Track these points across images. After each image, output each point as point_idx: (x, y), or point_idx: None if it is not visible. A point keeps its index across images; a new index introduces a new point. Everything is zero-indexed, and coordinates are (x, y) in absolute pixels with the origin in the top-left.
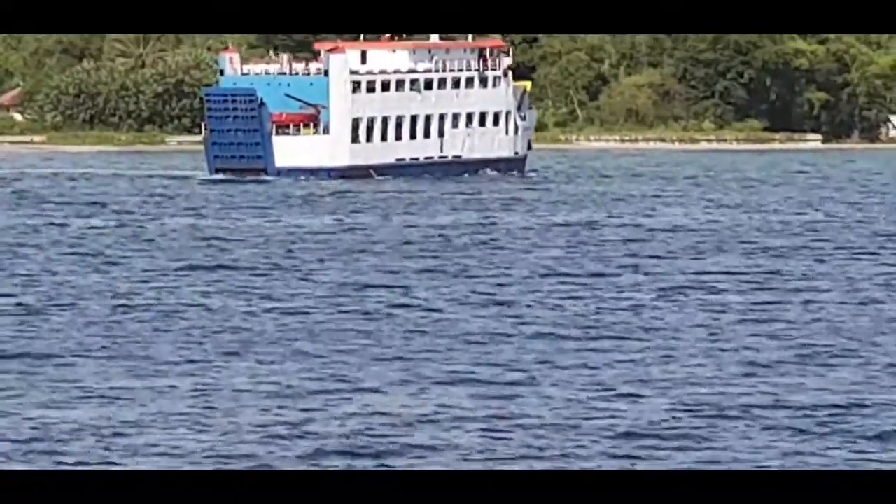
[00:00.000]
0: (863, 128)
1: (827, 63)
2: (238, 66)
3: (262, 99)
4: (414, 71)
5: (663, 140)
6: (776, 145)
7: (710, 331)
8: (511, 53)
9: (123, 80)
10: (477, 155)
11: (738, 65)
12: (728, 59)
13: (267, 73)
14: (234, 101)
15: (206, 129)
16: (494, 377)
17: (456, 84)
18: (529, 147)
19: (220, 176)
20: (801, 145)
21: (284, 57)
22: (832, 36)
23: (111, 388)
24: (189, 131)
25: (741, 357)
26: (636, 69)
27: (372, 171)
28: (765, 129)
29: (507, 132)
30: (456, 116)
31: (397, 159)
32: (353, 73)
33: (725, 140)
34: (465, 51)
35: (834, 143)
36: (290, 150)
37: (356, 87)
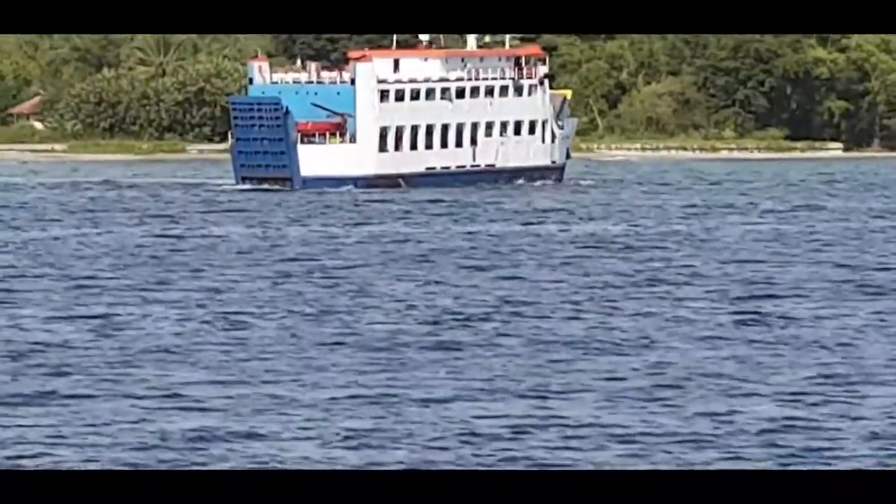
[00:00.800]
0: (883, 136)
1: (847, 72)
2: (267, 74)
3: (287, 107)
4: (445, 79)
5: (684, 149)
6: (797, 154)
7: None
8: (547, 62)
9: (144, 88)
10: (511, 164)
11: (759, 73)
12: (749, 68)
13: (296, 82)
14: (259, 109)
15: (232, 137)
16: None
17: (489, 92)
18: (568, 156)
19: (246, 186)
20: (823, 154)
21: (313, 66)
22: (852, 44)
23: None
24: (210, 140)
25: None
26: (654, 77)
27: (401, 181)
28: (785, 138)
29: (543, 141)
30: (489, 125)
31: (427, 168)
32: (380, 81)
33: (747, 149)
34: (500, 59)
35: (855, 152)
36: (315, 159)
37: (384, 95)
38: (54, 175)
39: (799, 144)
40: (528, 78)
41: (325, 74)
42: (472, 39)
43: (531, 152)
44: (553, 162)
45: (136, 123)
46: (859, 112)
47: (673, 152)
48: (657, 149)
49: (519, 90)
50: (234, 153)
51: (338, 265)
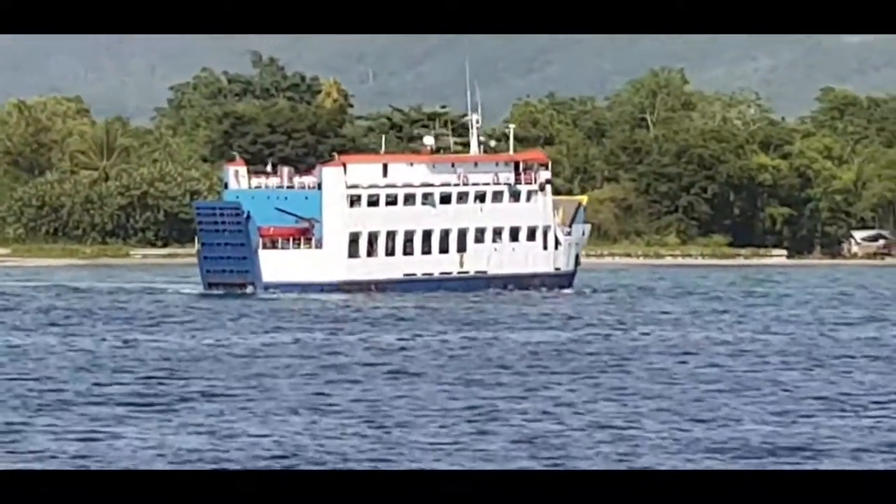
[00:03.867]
0: (823, 243)
1: (790, 178)
2: (245, 179)
3: (248, 212)
4: (429, 184)
5: (629, 255)
6: (741, 261)
7: None
8: (549, 167)
9: (87, 192)
10: (506, 271)
11: (702, 179)
12: (691, 174)
13: (267, 187)
14: (221, 214)
15: (198, 242)
16: None
17: (480, 198)
18: (577, 262)
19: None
20: (767, 261)
21: (285, 171)
22: (795, 150)
23: None
24: (152, 244)
25: None
26: (590, 183)
27: (373, 287)
28: (729, 245)
29: (545, 247)
30: (480, 231)
31: (406, 274)
32: (351, 186)
33: (690, 255)
34: (496, 164)
35: (797, 259)
36: (279, 265)
37: (355, 200)
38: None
39: (743, 251)
40: (528, 183)
41: (297, 180)
42: (474, 145)
43: (530, 259)
44: (557, 269)
45: (79, 227)
46: (801, 219)
47: (617, 258)
48: (601, 255)
49: (516, 195)
50: (199, 258)
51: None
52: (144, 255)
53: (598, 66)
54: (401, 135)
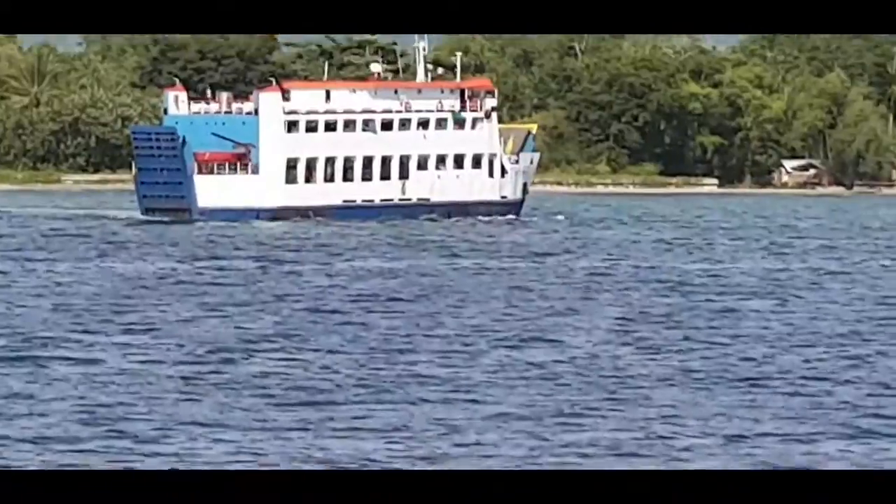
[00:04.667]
0: (753, 172)
1: (721, 107)
2: (185, 104)
3: (183, 137)
4: (370, 111)
5: (560, 183)
6: (673, 189)
7: None
8: (496, 94)
9: (18, 117)
10: (450, 198)
11: (633, 108)
12: (622, 102)
13: (206, 113)
14: (157, 139)
15: (134, 167)
16: None
17: (423, 125)
18: (525, 191)
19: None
20: (698, 189)
21: (224, 96)
22: (726, 79)
23: None
24: (84, 170)
25: None
26: (519, 111)
27: (311, 213)
28: (660, 174)
29: (491, 175)
30: (424, 158)
31: (345, 201)
32: (290, 112)
33: (622, 184)
34: (441, 91)
35: (727, 188)
36: (214, 191)
37: (292, 126)
38: None
39: (674, 180)
40: (473, 110)
41: (235, 105)
42: (421, 72)
43: (476, 187)
44: (503, 197)
45: (9, 153)
46: (731, 148)
47: (549, 187)
48: (533, 183)
49: (461, 123)
50: (136, 184)
51: None
52: (76, 181)
53: None
54: (332, 62)
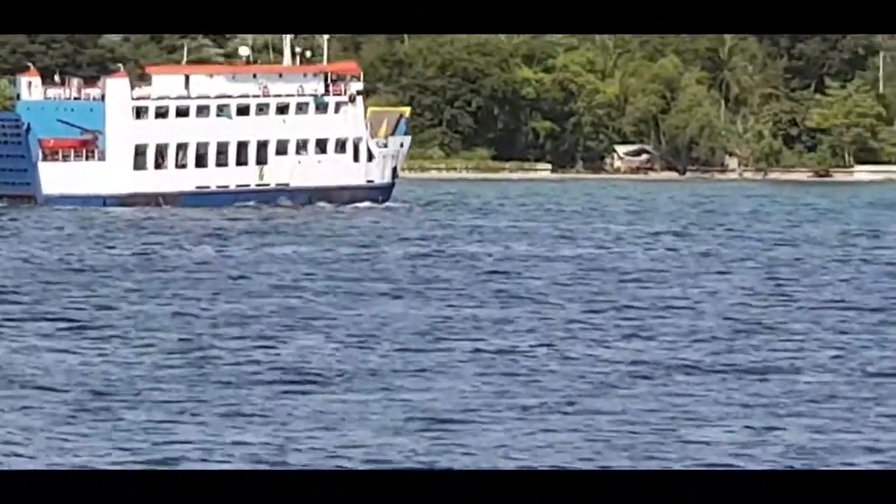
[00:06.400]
0: (585, 157)
1: (553, 92)
2: (39, 90)
3: (28, 124)
4: (226, 96)
5: None
6: (506, 174)
7: None
8: (361, 78)
9: None
10: (311, 183)
11: (467, 93)
12: (455, 87)
13: (55, 99)
14: (2, 126)
15: None
16: None
17: (282, 110)
18: (395, 175)
19: None
20: (532, 175)
21: (74, 82)
22: (559, 64)
23: None
24: None
25: None
26: None
27: (160, 199)
28: (493, 158)
29: (356, 159)
30: (283, 143)
31: (198, 187)
32: (138, 98)
33: (455, 169)
34: (304, 75)
35: (560, 173)
36: (59, 177)
37: (141, 112)
38: None
39: (508, 165)
40: (337, 94)
41: (87, 91)
42: (287, 56)
43: (340, 171)
44: (369, 181)
45: None
46: (563, 133)
47: None
48: None
49: (323, 107)
50: None
51: None
52: None
53: None
54: (162, 46)
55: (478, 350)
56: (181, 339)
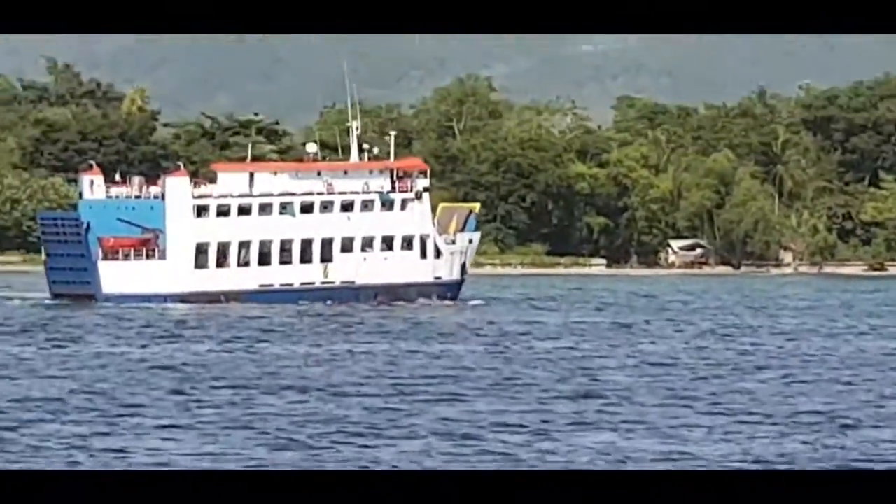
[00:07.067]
0: (639, 252)
1: (607, 187)
2: (101, 188)
3: (87, 223)
4: (289, 193)
5: None
6: (561, 270)
7: None
8: (428, 175)
9: None
10: (377, 281)
11: (520, 188)
12: (509, 183)
13: (117, 197)
14: (62, 225)
15: (44, 252)
16: None
17: (347, 207)
18: (464, 271)
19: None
20: (587, 270)
21: (136, 180)
22: (613, 159)
23: None
24: None
25: None
26: None
27: (223, 297)
28: (547, 254)
29: (424, 256)
30: (349, 240)
31: (261, 285)
32: (199, 196)
33: (510, 264)
34: (369, 172)
35: (614, 268)
36: (119, 276)
37: (202, 210)
38: None
39: (563, 260)
40: (403, 191)
41: (148, 189)
42: (355, 153)
43: (407, 268)
44: (437, 278)
45: None
46: (617, 228)
47: None
48: None
49: (388, 204)
50: (46, 269)
51: None
52: None
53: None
54: (214, 142)
55: None
56: None
